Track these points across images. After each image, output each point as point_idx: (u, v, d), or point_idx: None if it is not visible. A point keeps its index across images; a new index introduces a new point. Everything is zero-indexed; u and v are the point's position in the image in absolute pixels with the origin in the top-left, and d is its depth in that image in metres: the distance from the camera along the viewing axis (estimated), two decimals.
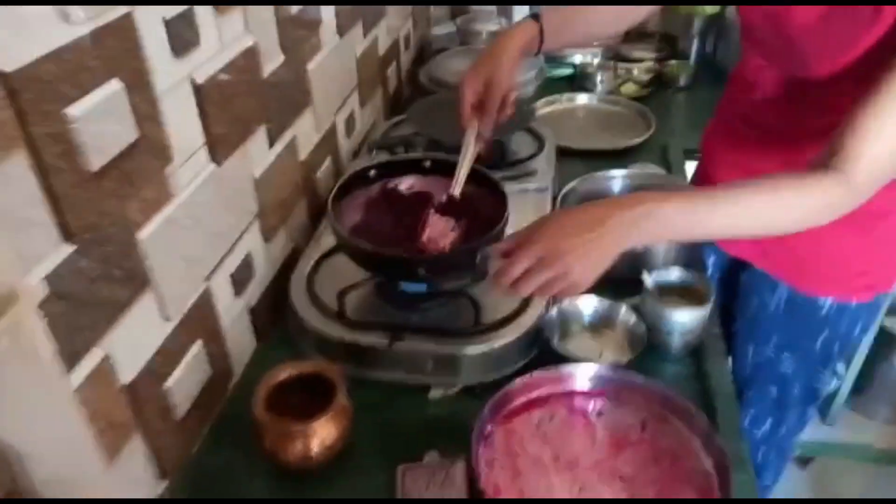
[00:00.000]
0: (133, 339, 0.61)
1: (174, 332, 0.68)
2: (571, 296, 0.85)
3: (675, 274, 0.90)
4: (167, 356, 0.67)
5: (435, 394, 0.80)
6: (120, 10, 0.56)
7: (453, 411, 0.78)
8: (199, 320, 0.73)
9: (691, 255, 0.98)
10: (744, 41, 0.91)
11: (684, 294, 0.89)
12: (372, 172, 0.90)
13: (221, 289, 0.77)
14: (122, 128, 0.57)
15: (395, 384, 0.80)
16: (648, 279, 0.87)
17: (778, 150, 0.88)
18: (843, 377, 1.63)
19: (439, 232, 0.85)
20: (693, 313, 0.83)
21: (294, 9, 0.91)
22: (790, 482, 1.63)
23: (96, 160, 0.54)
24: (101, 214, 0.56)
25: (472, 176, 0.88)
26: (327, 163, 1.10)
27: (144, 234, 0.62)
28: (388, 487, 0.67)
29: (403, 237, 0.85)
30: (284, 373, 0.71)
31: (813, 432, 1.65)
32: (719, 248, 1.04)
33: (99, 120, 0.54)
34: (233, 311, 0.81)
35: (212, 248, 0.75)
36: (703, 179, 1.07)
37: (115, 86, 0.55)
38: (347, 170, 1.12)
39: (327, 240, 0.94)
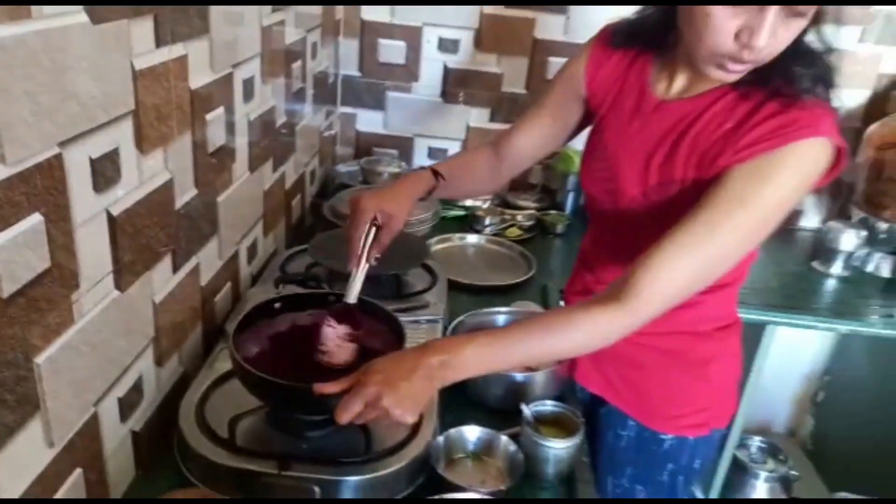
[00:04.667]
0: (14, 467, 0.60)
1: (55, 460, 0.66)
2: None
3: (549, 406, 0.99)
4: (45, 485, 0.65)
5: None
6: (52, 151, 0.61)
7: None
8: (83, 447, 0.71)
9: (565, 387, 1.09)
10: (588, 209, 1.08)
11: (557, 424, 0.97)
12: (276, 305, 0.95)
13: (109, 413, 0.77)
14: (37, 257, 0.60)
15: None
16: (526, 410, 0.95)
17: None
18: None
19: (335, 343, 0.89)
20: (565, 443, 0.91)
21: (211, 147, 0.99)
22: None
23: (7, 287, 0.56)
24: (2, 340, 0.57)
25: (369, 309, 0.95)
26: (226, 288, 1.14)
27: (41, 359, 0.62)
28: None
29: (301, 369, 0.88)
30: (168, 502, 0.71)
31: None
32: (579, 384, 1.15)
33: (16, 250, 0.57)
34: (117, 437, 0.80)
35: (104, 372, 0.75)
36: None
37: (35, 219, 0.59)
38: (246, 295, 1.17)
39: (221, 365, 0.96)
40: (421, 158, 1.99)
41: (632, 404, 1.05)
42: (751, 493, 1.81)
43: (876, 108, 1.85)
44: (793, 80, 0.80)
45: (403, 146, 1.98)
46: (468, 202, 1.83)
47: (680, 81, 0.90)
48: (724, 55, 0.77)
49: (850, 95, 1.86)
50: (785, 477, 1.81)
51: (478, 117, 1.93)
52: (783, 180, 0.79)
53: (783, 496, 1.82)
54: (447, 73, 1.89)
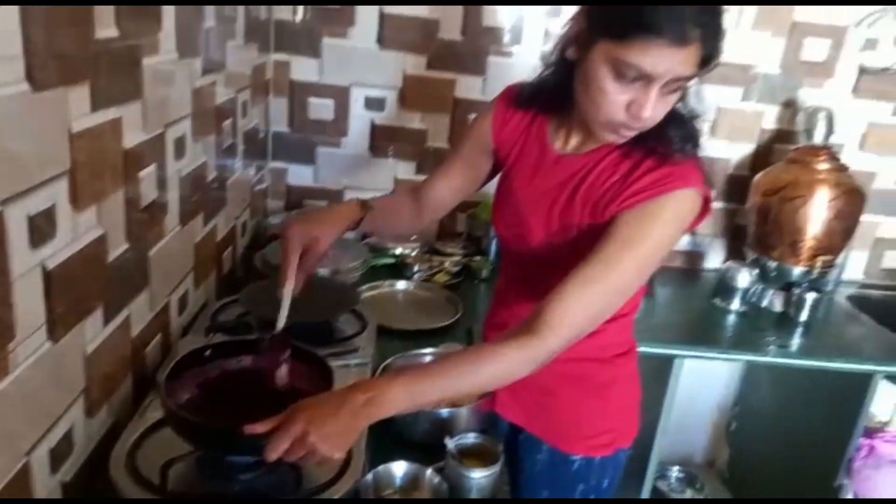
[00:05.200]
0: None
1: None
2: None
3: (471, 438, 1.05)
4: None
5: None
6: None
7: None
8: (13, 498, 0.72)
9: (487, 420, 1.16)
10: (501, 250, 1.18)
11: (480, 455, 1.04)
12: (207, 352, 0.98)
13: (40, 464, 0.78)
14: None
15: None
16: (450, 444, 1.02)
17: None
18: None
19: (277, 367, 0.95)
20: (485, 472, 0.98)
21: (144, 202, 1.03)
22: None
23: None
24: None
25: (300, 354, 1.00)
26: (157, 339, 1.16)
27: None
28: None
29: (231, 414, 0.92)
30: None
31: None
32: (498, 415, 1.22)
33: None
34: (47, 488, 0.80)
35: (36, 423, 0.77)
36: None
37: None
38: (176, 345, 1.19)
39: (152, 414, 0.97)
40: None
41: (544, 429, 1.14)
42: None
43: (761, 158, 2.07)
44: (666, 141, 0.93)
45: (333, 198, 2.05)
46: (398, 250, 1.91)
47: (574, 139, 1.03)
48: (617, 124, 0.90)
49: (738, 148, 2.09)
50: None
51: (405, 170, 2.04)
52: (662, 224, 0.91)
53: None
54: (374, 129, 1.99)
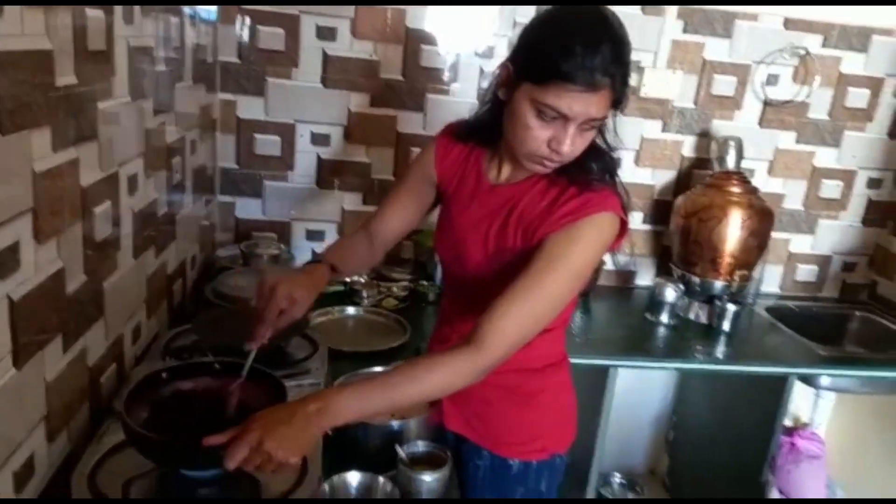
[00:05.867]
0: None
1: None
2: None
3: (420, 446, 1.13)
4: None
5: None
6: None
7: None
8: None
9: (437, 432, 1.24)
10: (443, 272, 1.28)
11: (429, 462, 1.11)
12: (164, 375, 1.03)
13: (3, 488, 0.81)
14: None
15: None
16: (400, 451, 1.09)
17: None
18: None
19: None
20: (434, 475, 1.05)
21: (99, 237, 1.08)
22: None
23: None
24: None
25: (254, 374, 1.06)
26: (112, 368, 1.19)
27: None
28: None
29: (189, 431, 0.97)
30: None
31: None
32: (444, 426, 1.30)
33: None
34: None
35: (1, 447, 0.81)
36: None
37: None
38: (131, 374, 1.22)
39: (110, 439, 1.01)
40: (299, 240, 2.13)
41: (484, 437, 1.22)
42: None
43: (682, 184, 2.25)
44: (587, 170, 1.05)
45: (282, 230, 2.11)
46: (347, 278, 1.98)
47: (506, 170, 1.14)
48: (540, 157, 1.01)
49: (661, 175, 2.26)
50: None
51: (351, 201, 2.12)
52: (584, 244, 1.03)
53: None
54: (321, 162, 2.08)
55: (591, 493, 1.87)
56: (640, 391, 2.46)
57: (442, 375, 0.96)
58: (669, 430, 2.51)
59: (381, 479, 1.07)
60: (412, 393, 0.96)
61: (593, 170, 1.05)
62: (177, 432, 0.96)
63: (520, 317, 0.99)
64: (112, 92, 1.11)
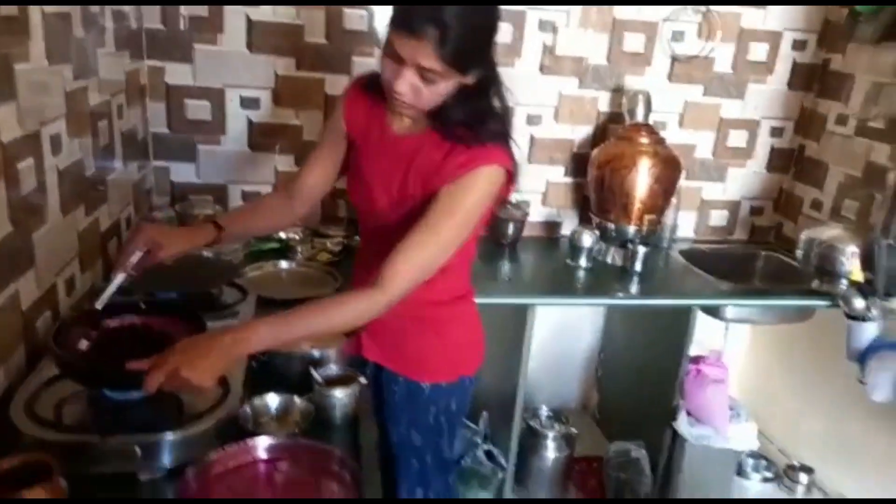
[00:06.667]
0: None
1: None
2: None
3: (334, 369, 1.26)
4: None
5: (144, 476, 1.00)
6: None
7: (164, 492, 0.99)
8: None
9: (355, 362, 1.36)
10: (357, 217, 1.40)
11: (344, 383, 1.24)
12: (93, 310, 1.13)
13: None
14: None
15: (106, 476, 0.98)
16: (315, 373, 1.21)
17: None
18: (507, 468, 2.10)
19: None
20: (345, 391, 1.18)
21: (24, 191, 1.17)
22: None
23: None
24: None
25: (181, 313, 1.17)
26: (47, 315, 1.29)
27: None
28: None
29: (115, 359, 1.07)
30: None
31: None
32: (365, 357, 1.43)
33: None
34: None
35: None
36: None
37: None
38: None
39: (45, 374, 1.12)
40: (236, 202, 2.22)
41: (399, 364, 1.36)
42: (542, 451, 2.19)
43: (598, 137, 2.40)
44: (474, 129, 1.16)
45: (218, 193, 2.19)
46: (282, 235, 2.07)
47: (406, 121, 1.25)
48: (391, 95, 1.12)
49: (580, 129, 2.40)
50: (568, 435, 2.22)
51: (284, 162, 2.21)
52: (472, 194, 1.15)
53: (568, 451, 2.22)
54: (252, 126, 2.16)
55: (517, 424, 2.04)
56: (570, 333, 2.64)
57: (348, 310, 1.09)
58: (598, 368, 2.70)
59: (296, 398, 1.20)
60: (321, 326, 1.08)
61: (480, 129, 1.15)
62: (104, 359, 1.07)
63: (414, 261, 1.12)
64: (28, 56, 1.18)
